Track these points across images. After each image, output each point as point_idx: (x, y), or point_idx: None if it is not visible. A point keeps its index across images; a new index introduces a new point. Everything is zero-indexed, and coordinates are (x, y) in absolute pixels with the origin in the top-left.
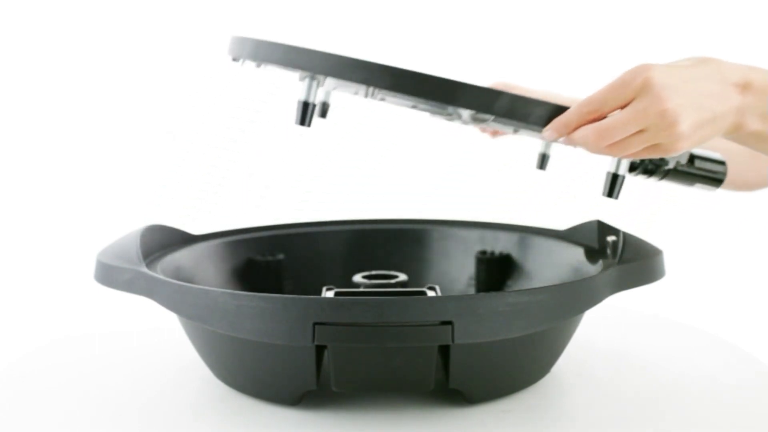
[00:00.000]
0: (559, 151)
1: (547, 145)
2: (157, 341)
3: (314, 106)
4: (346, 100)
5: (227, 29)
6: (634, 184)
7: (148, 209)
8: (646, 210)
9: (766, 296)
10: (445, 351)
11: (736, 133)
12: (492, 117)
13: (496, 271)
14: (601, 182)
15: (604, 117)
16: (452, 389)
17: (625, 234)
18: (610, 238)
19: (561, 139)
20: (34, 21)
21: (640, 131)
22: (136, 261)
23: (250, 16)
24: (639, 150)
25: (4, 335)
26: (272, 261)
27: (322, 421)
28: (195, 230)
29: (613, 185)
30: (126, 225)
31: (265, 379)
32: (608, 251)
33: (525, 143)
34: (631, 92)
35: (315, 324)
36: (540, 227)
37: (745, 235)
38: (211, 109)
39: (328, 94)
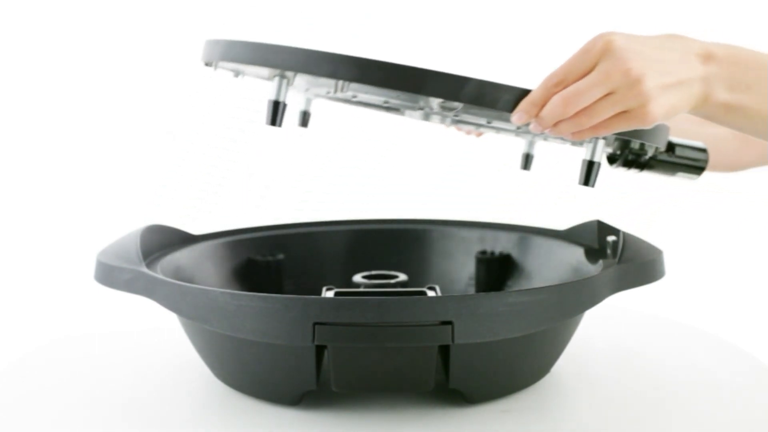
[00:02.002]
0: (559, 151)
1: (530, 145)
2: (157, 341)
3: (285, 105)
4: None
5: (227, 29)
6: (634, 183)
7: (148, 209)
8: (646, 210)
9: (766, 296)
10: (445, 351)
11: (705, 105)
12: (461, 105)
13: (496, 271)
14: (589, 175)
15: None
16: (452, 389)
17: (625, 234)
18: (610, 238)
19: (532, 126)
20: (34, 21)
21: (607, 95)
22: (136, 261)
23: (249, 17)
24: (609, 117)
25: (4, 335)
26: (272, 261)
27: (322, 421)
28: (195, 230)
29: (588, 173)
30: (126, 225)
31: (265, 379)
32: (608, 251)
33: (525, 142)
34: (594, 57)
35: (315, 324)
36: (540, 227)
37: (745, 236)
38: (211, 109)
39: (308, 102)
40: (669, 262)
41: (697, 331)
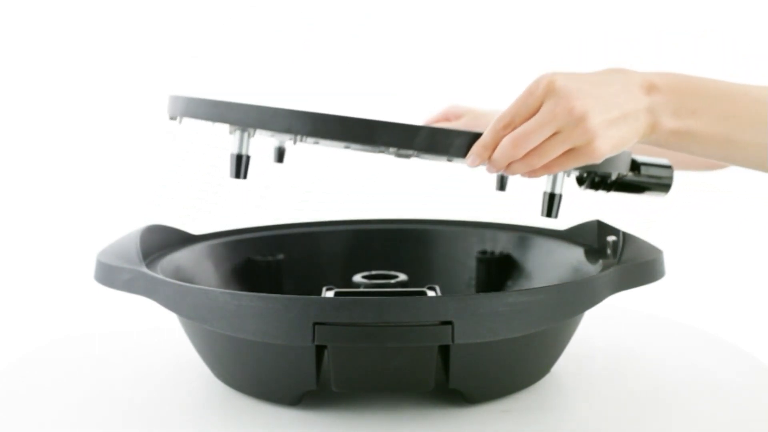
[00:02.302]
0: None
1: None
2: (157, 341)
3: (248, 157)
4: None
5: (227, 28)
6: None
7: (148, 209)
8: (646, 210)
9: (766, 296)
10: (445, 351)
11: (654, 134)
12: (414, 152)
13: (496, 271)
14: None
15: None
16: (452, 389)
17: (625, 234)
18: (610, 238)
19: (486, 168)
20: (35, 22)
21: (554, 134)
22: (136, 261)
23: (250, 17)
24: (559, 155)
25: (4, 335)
26: (272, 261)
27: (322, 421)
28: (195, 230)
29: (551, 204)
30: (126, 225)
31: (265, 379)
32: (608, 251)
33: None
34: (538, 98)
35: (315, 324)
36: (540, 227)
37: (745, 236)
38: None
39: (282, 140)
40: (669, 262)
41: (697, 331)
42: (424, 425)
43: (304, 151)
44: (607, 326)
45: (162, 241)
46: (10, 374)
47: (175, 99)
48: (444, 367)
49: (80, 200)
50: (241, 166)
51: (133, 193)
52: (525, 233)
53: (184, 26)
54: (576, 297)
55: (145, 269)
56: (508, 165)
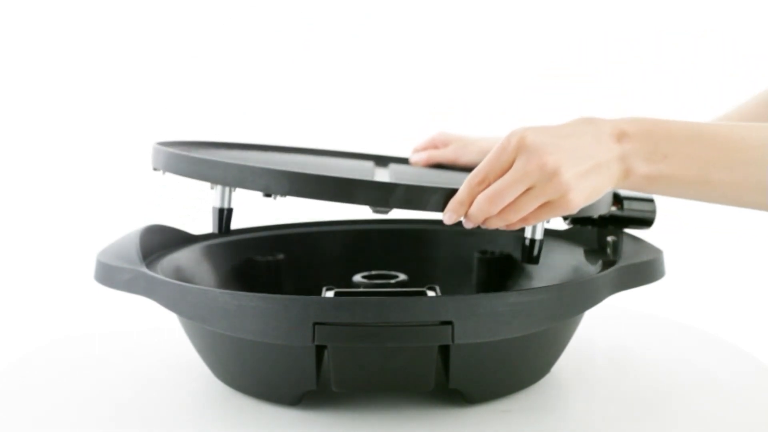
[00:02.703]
0: None
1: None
2: (157, 341)
3: (230, 210)
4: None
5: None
6: None
7: (148, 209)
8: None
9: (766, 296)
10: (445, 351)
11: (628, 180)
12: (390, 209)
13: (496, 271)
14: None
15: None
16: (452, 389)
17: (625, 234)
18: (610, 238)
19: (464, 223)
20: (35, 22)
21: (528, 189)
22: (136, 261)
23: (249, 17)
24: (534, 209)
25: (4, 335)
26: (272, 261)
27: (322, 421)
28: (195, 230)
29: (531, 250)
30: (126, 225)
31: (265, 379)
32: (608, 251)
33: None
34: (511, 155)
35: (315, 324)
36: None
37: (745, 236)
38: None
39: None
40: (669, 262)
41: (697, 331)
42: (424, 425)
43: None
44: (607, 326)
45: (162, 241)
46: (10, 374)
47: (157, 151)
48: (444, 367)
49: (80, 200)
50: (222, 219)
51: (133, 193)
52: None
53: (184, 26)
54: (576, 297)
55: (145, 269)
56: (485, 220)
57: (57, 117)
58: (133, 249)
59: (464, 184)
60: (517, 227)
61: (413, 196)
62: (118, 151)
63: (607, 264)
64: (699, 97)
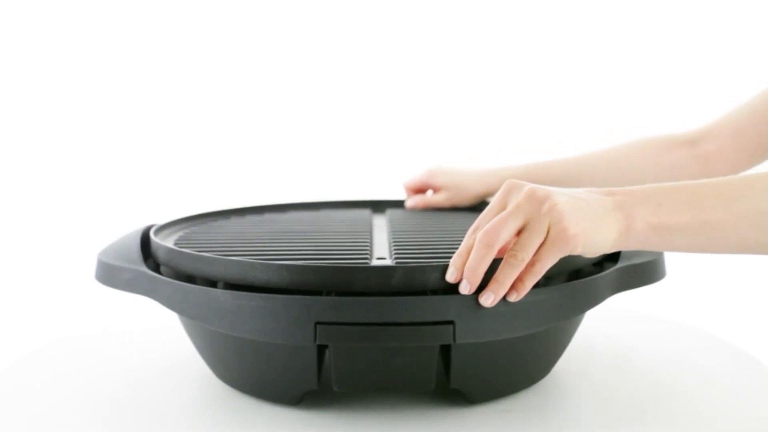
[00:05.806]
0: (558, 150)
1: None
2: (158, 341)
3: None
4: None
5: (227, 27)
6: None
7: (148, 209)
8: None
9: (766, 296)
10: (446, 351)
11: (632, 230)
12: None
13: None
14: None
15: None
16: (452, 389)
17: None
18: None
19: (466, 287)
20: (35, 22)
21: (525, 225)
22: (137, 260)
23: (250, 17)
24: (536, 249)
25: (4, 335)
26: None
27: (323, 421)
28: None
29: None
30: (126, 225)
31: (266, 379)
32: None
33: (525, 143)
34: (503, 200)
35: (316, 324)
36: None
37: None
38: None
39: None
40: (669, 262)
41: (697, 331)
42: (424, 425)
43: (305, 150)
44: (607, 326)
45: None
46: (10, 374)
47: (156, 246)
48: (445, 367)
49: (80, 200)
50: None
51: (133, 193)
52: None
53: (184, 26)
54: (577, 297)
55: (145, 269)
56: (496, 278)
57: (57, 117)
58: (134, 249)
59: (474, 246)
60: (529, 282)
61: (413, 276)
62: (119, 151)
63: (607, 264)
64: (699, 97)
